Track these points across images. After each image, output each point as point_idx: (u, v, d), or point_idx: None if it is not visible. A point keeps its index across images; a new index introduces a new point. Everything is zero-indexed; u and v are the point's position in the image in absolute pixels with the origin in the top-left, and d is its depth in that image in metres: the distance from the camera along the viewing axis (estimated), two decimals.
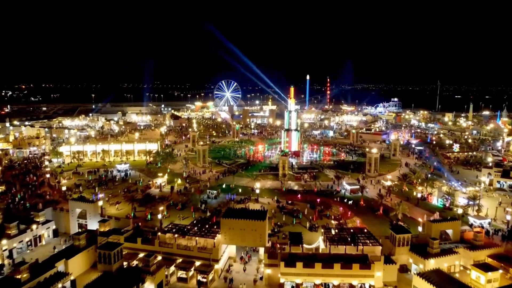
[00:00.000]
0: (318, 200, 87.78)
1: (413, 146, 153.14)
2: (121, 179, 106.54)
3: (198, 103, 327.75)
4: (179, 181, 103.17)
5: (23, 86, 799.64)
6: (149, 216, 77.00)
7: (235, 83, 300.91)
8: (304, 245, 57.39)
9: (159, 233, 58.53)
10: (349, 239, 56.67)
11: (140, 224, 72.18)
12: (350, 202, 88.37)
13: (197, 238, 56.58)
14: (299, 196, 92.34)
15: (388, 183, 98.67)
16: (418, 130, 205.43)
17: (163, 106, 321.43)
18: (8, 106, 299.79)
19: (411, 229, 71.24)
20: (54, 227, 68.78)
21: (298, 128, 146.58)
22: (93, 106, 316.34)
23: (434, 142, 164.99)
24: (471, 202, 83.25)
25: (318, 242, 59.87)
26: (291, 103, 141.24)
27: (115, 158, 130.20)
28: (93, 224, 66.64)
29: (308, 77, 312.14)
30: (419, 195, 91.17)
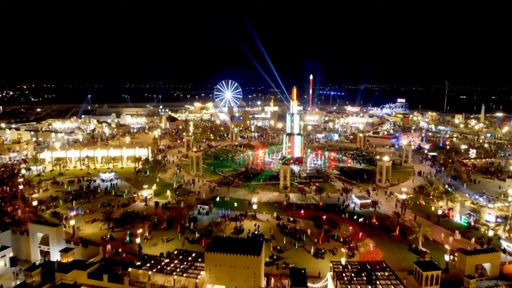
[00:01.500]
0: (324, 217, 76.72)
1: (425, 151, 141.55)
2: (103, 190, 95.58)
3: (198, 104, 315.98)
4: (168, 193, 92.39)
5: (24, 87, 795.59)
6: (127, 238, 66.20)
7: (236, 83, 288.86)
8: (309, 285, 46.32)
9: (130, 269, 47.56)
10: (364, 277, 45.50)
11: (120, 250, 61.38)
12: (361, 219, 77.31)
13: (175, 276, 45.55)
14: (302, 211, 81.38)
15: (403, 196, 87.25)
16: (430, 134, 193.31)
17: (161, 107, 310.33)
18: (0, 107, 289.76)
19: (436, 255, 60.50)
20: (11, 254, 57.76)
21: (301, 132, 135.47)
22: (89, 107, 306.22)
23: (448, 147, 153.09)
24: (500, 220, 72.00)
25: (325, 280, 48.73)
26: (294, 105, 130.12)
27: (102, 165, 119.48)
28: (57, 252, 55.69)
29: (311, 77, 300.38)
30: (439, 212, 79.73)
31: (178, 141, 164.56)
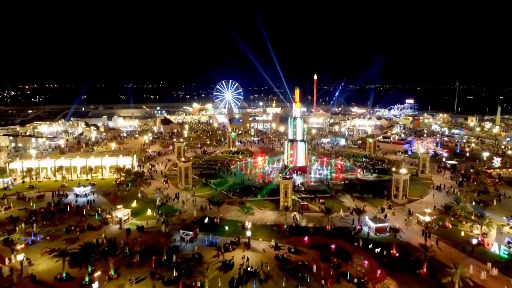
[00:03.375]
0: (333, 246, 62.86)
1: (443, 159, 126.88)
2: (75, 208, 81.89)
3: (196, 105, 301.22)
4: (149, 212, 78.98)
5: (26, 87, 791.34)
6: (86, 279, 52.57)
7: (237, 84, 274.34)
8: None
9: None
10: None
11: None
12: (378, 249, 63.32)
13: None
14: (306, 238, 67.58)
15: (427, 219, 73.19)
16: (445, 139, 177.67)
17: (158, 108, 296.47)
18: None
19: None
20: None
21: (305, 138, 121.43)
22: (83, 109, 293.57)
23: (467, 154, 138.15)
24: None
25: None
26: (296, 108, 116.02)
27: (80, 176, 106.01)
28: None
29: (315, 76, 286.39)
30: (474, 241, 65.52)
31: (171, 146, 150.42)
